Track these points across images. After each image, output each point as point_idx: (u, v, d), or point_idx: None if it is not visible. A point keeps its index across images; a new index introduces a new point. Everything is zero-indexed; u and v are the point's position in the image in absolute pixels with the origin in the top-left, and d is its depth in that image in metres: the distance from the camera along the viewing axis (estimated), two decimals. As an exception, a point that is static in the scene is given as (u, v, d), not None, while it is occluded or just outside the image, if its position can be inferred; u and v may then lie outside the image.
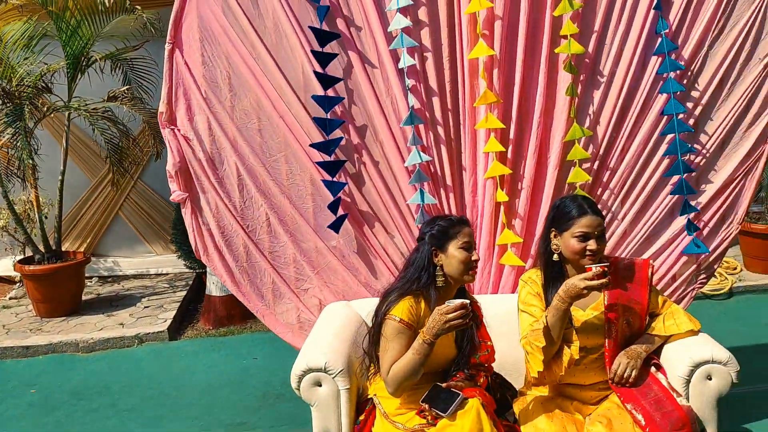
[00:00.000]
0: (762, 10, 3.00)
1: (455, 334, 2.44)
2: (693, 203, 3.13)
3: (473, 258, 2.39)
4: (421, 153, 3.07)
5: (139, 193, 6.80)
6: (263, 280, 3.23)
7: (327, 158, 3.08)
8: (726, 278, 5.75)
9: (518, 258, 3.12)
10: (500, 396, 2.61)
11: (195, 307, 5.93)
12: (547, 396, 2.57)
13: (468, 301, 2.23)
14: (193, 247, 3.17)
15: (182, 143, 3.08)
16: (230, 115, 3.08)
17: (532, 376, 2.42)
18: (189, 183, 3.12)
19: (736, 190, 3.13)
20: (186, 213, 3.14)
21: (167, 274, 6.78)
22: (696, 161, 3.11)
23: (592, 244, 2.38)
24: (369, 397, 2.47)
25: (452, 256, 2.37)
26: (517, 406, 2.57)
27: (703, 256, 3.19)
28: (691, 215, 3.11)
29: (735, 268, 6.03)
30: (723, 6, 2.99)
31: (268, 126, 3.10)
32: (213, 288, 5.41)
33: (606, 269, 2.31)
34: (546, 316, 2.37)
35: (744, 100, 3.05)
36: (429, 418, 2.27)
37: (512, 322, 2.62)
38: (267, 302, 3.25)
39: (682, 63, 3.02)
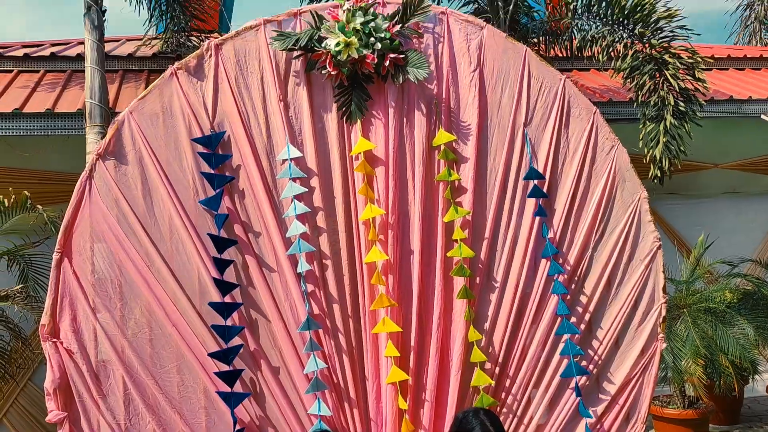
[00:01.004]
0: (637, 213, 3.23)
1: None
2: (596, 404, 3.12)
3: None
4: (319, 360, 2.97)
5: (29, 398, 6.25)
6: (147, 508, 2.91)
7: (225, 368, 2.94)
8: (645, 467, 5.65)
9: (425, 469, 2.97)
10: None
11: None
12: None
13: None
14: (68, 474, 2.85)
15: (64, 357, 2.88)
16: (119, 326, 2.93)
17: None
18: (69, 401, 2.88)
19: (636, 387, 3.15)
20: (63, 435, 2.86)
21: (52, 488, 6.06)
22: (592, 361, 3.15)
23: None
24: None
25: None
26: None
27: (614, 459, 3.13)
28: (589, 421, 3.09)
29: (653, 455, 5.96)
30: (601, 211, 3.20)
31: (160, 335, 2.96)
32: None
33: None
34: None
35: (631, 300, 3.18)
36: None
37: None
38: None
39: (569, 266, 3.15)
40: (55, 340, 2.88)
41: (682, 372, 5.67)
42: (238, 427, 2.90)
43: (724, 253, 6.73)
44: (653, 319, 3.18)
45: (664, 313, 3.18)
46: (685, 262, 6.55)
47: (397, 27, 3.10)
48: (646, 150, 5.93)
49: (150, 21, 7.00)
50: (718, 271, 6.74)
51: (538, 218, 3.15)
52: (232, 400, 2.92)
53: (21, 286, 5.33)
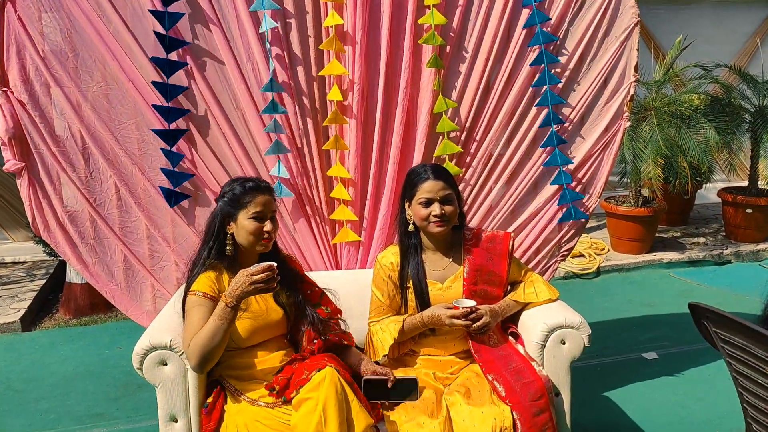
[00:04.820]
0: (618, -11, 3.07)
1: (273, 295, 2.33)
2: (555, 177, 3.19)
3: (265, 228, 2.27)
4: (280, 124, 2.93)
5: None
6: (114, 258, 2.99)
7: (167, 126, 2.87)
8: (594, 258, 6.00)
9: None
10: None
11: (55, 296, 5.49)
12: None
13: (274, 264, 2.11)
14: (31, 223, 2.88)
15: (17, 107, 2.78)
16: (73, 78, 2.81)
17: (381, 356, 2.42)
18: (26, 151, 2.83)
19: (595, 164, 3.20)
20: (22, 185, 2.84)
21: (25, 262, 6.25)
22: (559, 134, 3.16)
23: (435, 209, 2.37)
24: (215, 378, 2.31)
25: (242, 226, 2.26)
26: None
27: (565, 228, 3.25)
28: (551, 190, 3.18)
29: (603, 249, 6.30)
30: (582, -17, 3.04)
31: (116, 90, 2.85)
32: (74, 275, 5.02)
33: (472, 310, 2.31)
34: (404, 321, 2.43)
35: (602, 77, 3.12)
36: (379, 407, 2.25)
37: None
38: (118, 282, 3.01)
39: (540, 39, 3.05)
40: (5, 89, 2.76)
41: (641, 173, 5.81)
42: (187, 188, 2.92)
43: (701, 61, 6.62)
44: (621, 97, 3.14)
45: (632, 92, 3.14)
46: (659, 65, 6.46)
47: None
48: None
49: None
50: (691, 76, 6.67)
51: (515, -16, 2.99)
52: (172, 158, 2.91)
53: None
